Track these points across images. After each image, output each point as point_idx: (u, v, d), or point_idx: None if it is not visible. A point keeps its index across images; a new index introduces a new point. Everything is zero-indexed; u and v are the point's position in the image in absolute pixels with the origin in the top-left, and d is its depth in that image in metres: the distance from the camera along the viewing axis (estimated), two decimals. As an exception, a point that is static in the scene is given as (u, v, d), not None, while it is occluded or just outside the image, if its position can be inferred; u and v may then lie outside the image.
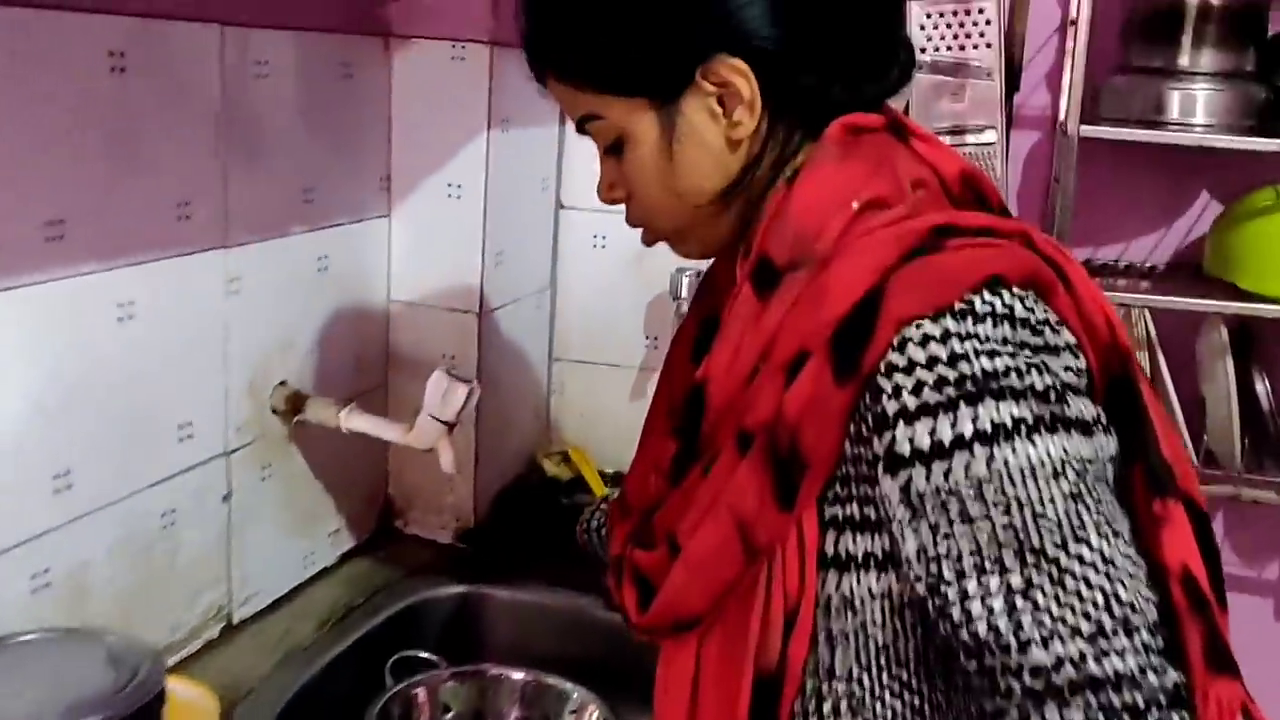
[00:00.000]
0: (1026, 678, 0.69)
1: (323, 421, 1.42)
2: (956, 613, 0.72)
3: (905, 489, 0.74)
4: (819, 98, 0.84)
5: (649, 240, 0.95)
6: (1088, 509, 0.71)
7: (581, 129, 0.91)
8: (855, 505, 0.78)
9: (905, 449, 0.73)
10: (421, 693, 1.33)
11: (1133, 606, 0.70)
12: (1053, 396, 0.73)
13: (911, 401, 0.73)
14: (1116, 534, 0.72)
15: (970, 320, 0.73)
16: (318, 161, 1.44)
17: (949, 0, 1.57)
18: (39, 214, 1.06)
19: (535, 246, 1.77)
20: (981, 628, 0.71)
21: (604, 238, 1.80)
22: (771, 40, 0.82)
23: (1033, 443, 0.71)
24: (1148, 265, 1.71)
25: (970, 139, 1.61)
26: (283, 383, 1.43)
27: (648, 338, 1.80)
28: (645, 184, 0.89)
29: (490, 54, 1.53)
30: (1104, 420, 0.77)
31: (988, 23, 1.57)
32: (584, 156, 1.75)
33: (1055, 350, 0.76)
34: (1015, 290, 0.75)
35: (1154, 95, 1.54)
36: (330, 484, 1.55)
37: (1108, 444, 0.76)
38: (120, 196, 1.14)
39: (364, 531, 1.65)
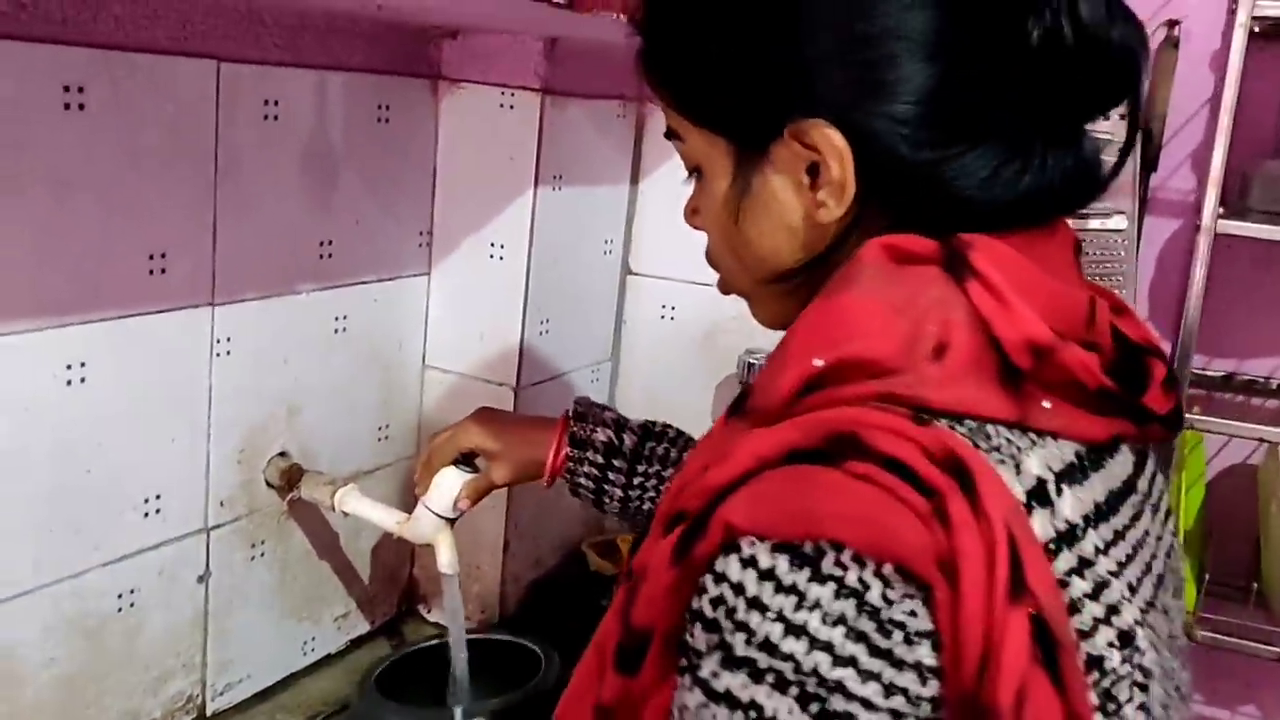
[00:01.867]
0: None
1: (316, 500, 1.28)
2: None
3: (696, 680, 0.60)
4: (928, 193, 0.66)
5: (722, 289, 0.81)
6: None
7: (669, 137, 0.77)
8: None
9: (699, 648, 0.60)
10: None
11: None
12: None
13: (709, 613, 0.59)
14: None
15: (807, 574, 0.56)
16: (340, 213, 1.31)
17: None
18: (-37, 263, 0.95)
19: (594, 315, 1.61)
20: None
21: (673, 309, 1.63)
22: (884, 114, 0.64)
23: None
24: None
25: (1094, 224, 1.39)
26: (282, 453, 1.30)
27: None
28: (710, 230, 0.76)
29: (542, 103, 1.38)
30: None
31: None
32: (657, 219, 1.60)
33: (897, 664, 0.55)
34: (885, 570, 0.56)
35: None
36: (339, 563, 1.42)
37: None
38: (70, 247, 1.03)
39: (380, 616, 1.51)
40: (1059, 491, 0.60)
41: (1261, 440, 1.29)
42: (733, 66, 0.69)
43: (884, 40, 0.64)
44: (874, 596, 0.55)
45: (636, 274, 1.64)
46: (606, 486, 1.15)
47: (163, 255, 1.11)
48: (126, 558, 1.15)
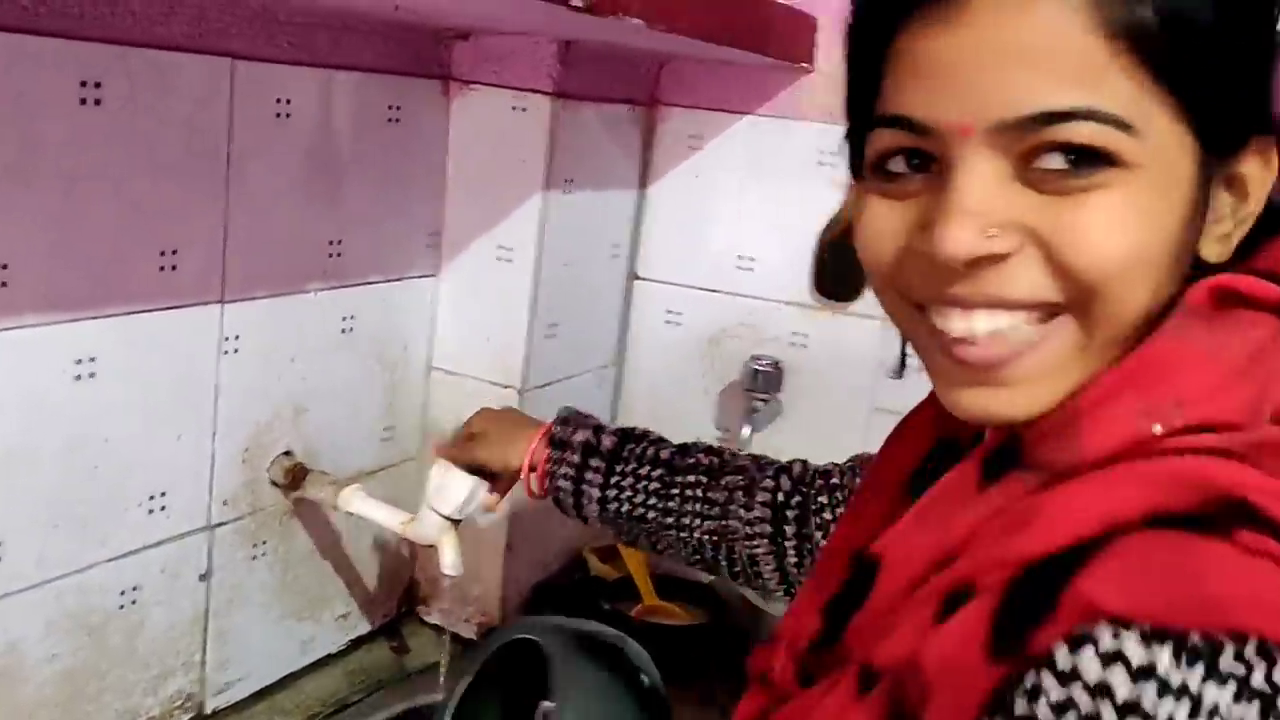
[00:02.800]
0: None
1: (320, 500, 1.28)
2: None
3: None
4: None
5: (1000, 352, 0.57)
6: None
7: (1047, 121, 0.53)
8: None
9: None
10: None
11: None
12: None
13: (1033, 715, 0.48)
14: None
15: (1200, 673, 0.45)
16: (350, 213, 1.31)
17: None
18: (-24, 257, 0.95)
19: (600, 319, 1.61)
20: None
21: (680, 314, 1.63)
22: None
23: None
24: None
25: None
26: (287, 453, 1.29)
27: (719, 429, 1.61)
28: (1128, 241, 0.54)
29: (554, 106, 1.38)
30: None
31: None
32: (664, 225, 1.60)
33: None
34: None
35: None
36: (341, 564, 1.42)
37: None
38: (82, 243, 1.02)
39: (381, 617, 1.51)
40: None
41: None
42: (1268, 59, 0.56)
43: None
44: None
45: (643, 279, 1.64)
46: (584, 487, 1.14)
47: (174, 252, 1.11)
48: (130, 554, 1.14)
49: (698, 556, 1.13)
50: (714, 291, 1.60)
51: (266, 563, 1.31)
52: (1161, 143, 0.53)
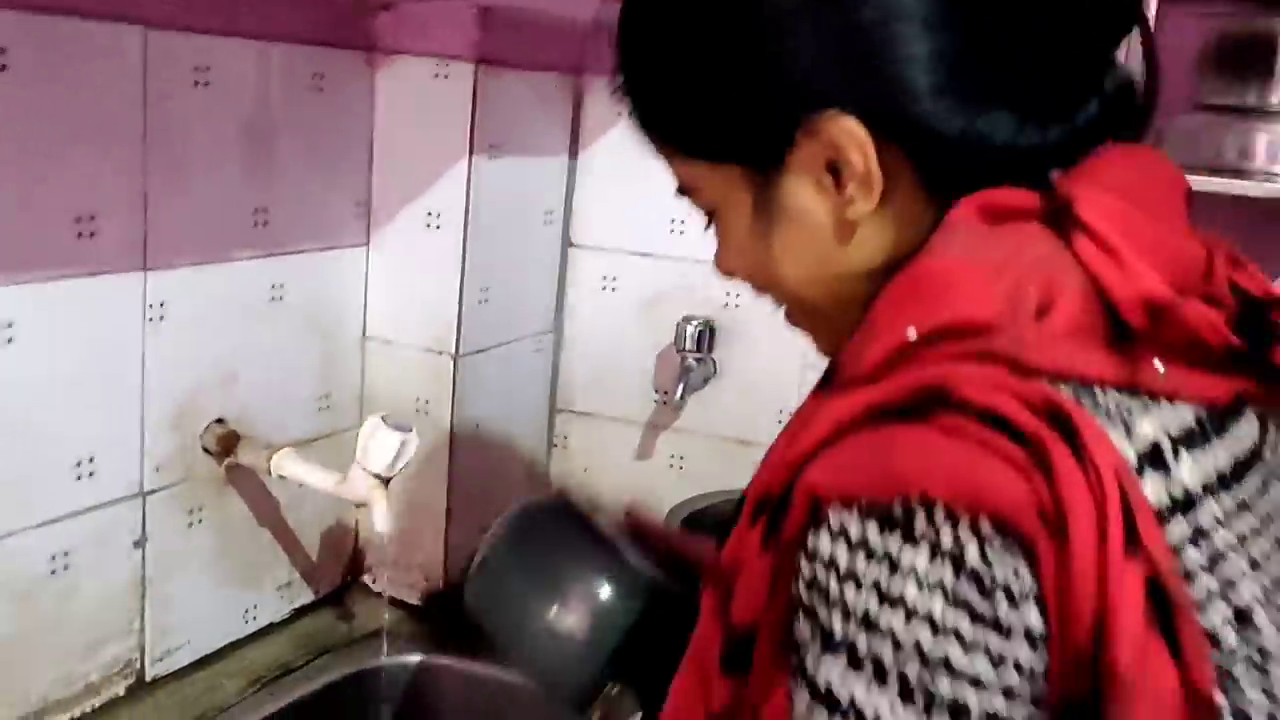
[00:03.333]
0: None
1: (253, 465, 1.29)
2: None
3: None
4: (965, 158, 0.62)
5: (795, 323, 0.74)
6: None
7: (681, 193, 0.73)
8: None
9: (799, 638, 0.56)
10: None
11: None
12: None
13: (805, 598, 0.55)
14: None
15: (898, 539, 0.52)
16: (274, 181, 1.32)
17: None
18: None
19: (536, 285, 1.63)
20: None
21: (614, 279, 1.64)
22: (900, 94, 0.61)
23: None
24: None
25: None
26: (219, 420, 1.31)
27: (657, 392, 1.63)
28: (752, 272, 0.71)
29: (475, 73, 1.39)
30: None
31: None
32: (597, 190, 1.62)
33: (1004, 632, 0.51)
34: (982, 526, 0.51)
35: (1236, 137, 1.31)
36: (281, 531, 1.43)
37: None
38: (-6, 207, 1.04)
39: (325, 585, 1.52)
40: (1176, 456, 0.56)
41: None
42: (726, 91, 0.65)
43: (883, 25, 0.60)
44: (972, 556, 0.51)
45: (577, 245, 1.66)
46: None
47: (91, 218, 1.12)
48: (58, 520, 1.15)
49: None
50: (648, 255, 1.62)
51: (204, 530, 1.32)
52: (717, 188, 0.68)
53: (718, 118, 0.66)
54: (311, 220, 1.39)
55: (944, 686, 0.51)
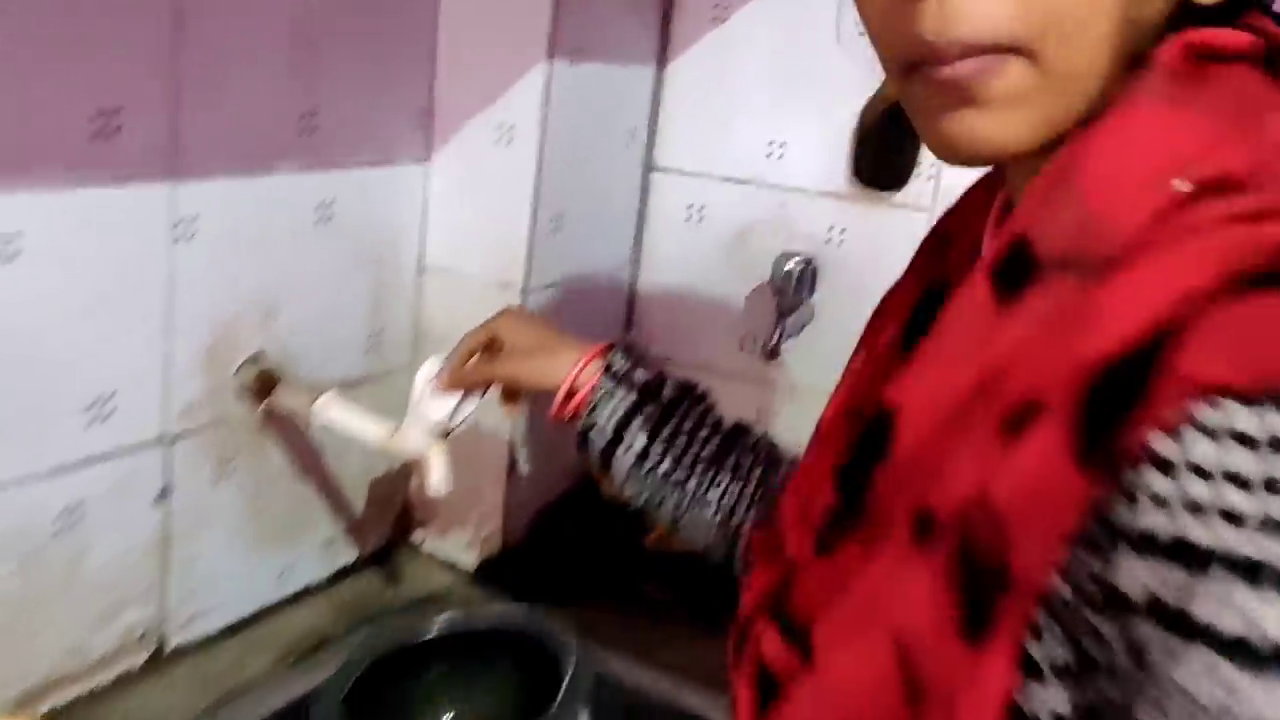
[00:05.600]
0: None
1: (292, 410, 1.13)
2: None
3: (1130, 639, 0.44)
4: None
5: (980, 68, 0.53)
6: None
7: None
8: (1067, 643, 0.47)
9: (1136, 593, 0.43)
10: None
11: None
12: None
13: (1164, 528, 0.42)
14: None
15: None
16: (325, 83, 1.14)
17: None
18: None
19: (612, 213, 1.44)
20: None
21: (701, 209, 1.46)
22: None
23: None
24: None
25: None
26: (255, 357, 1.13)
27: (746, 339, 1.45)
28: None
29: (559, -37, 1.20)
30: None
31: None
32: (685, 106, 1.43)
33: None
34: None
35: None
36: (322, 485, 1.26)
37: None
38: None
39: (372, 544, 1.36)
40: None
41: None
42: None
43: None
44: None
45: (661, 169, 1.47)
46: (625, 434, 0.95)
47: (115, 112, 0.94)
48: (68, 468, 0.99)
49: (720, 544, 0.95)
50: (740, 182, 1.43)
51: (236, 482, 1.15)
52: None
53: None
54: (366, 129, 1.21)
55: None
